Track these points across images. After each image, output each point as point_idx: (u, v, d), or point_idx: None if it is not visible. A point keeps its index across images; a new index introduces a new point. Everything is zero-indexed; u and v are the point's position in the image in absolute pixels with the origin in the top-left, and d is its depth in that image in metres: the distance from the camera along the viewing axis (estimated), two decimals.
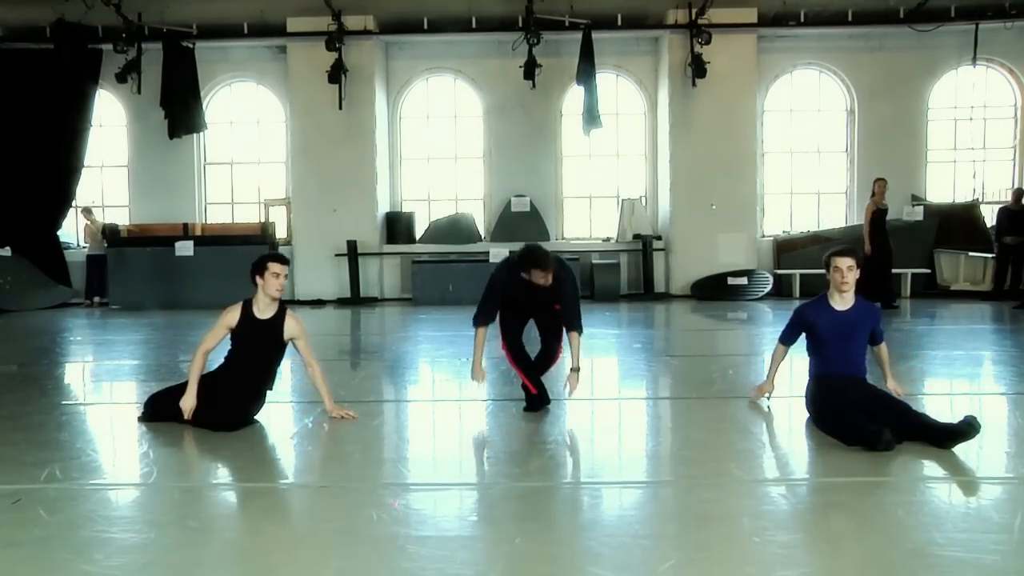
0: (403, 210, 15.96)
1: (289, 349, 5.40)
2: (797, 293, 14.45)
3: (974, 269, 14.45)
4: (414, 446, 5.08)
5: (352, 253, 14.72)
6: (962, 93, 15.60)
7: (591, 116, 14.54)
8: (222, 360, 5.39)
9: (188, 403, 5.07)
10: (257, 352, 5.25)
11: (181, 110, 14.78)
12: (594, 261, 14.66)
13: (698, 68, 14.32)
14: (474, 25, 14.89)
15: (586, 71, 14.41)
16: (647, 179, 16.02)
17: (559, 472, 4.38)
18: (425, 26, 14.98)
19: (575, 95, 15.20)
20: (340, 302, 14.81)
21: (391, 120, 15.81)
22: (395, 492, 3.93)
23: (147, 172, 15.79)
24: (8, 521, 3.52)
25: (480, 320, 5.43)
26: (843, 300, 5.05)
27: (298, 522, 3.73)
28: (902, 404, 4.83)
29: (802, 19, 14.82)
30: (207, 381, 5.20)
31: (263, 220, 15.47)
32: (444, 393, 6.98)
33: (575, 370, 5.42)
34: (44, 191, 15.07)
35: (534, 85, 14.50)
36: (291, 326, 5.27)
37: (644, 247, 14.80)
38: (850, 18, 14.78)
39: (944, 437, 4.42)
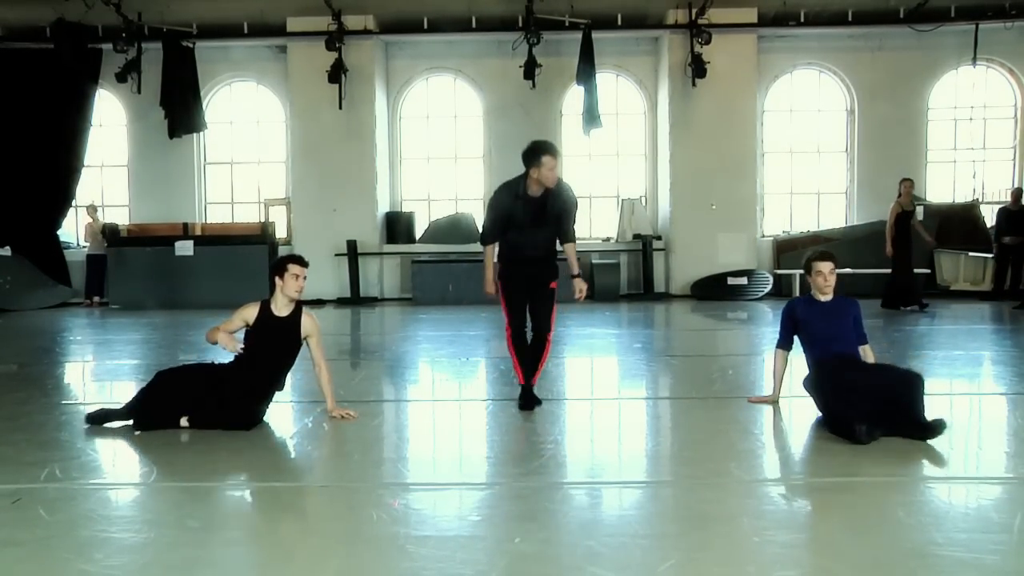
0: (403, 210, 15.97)
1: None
2: (797, 293, 14.39)
3: (974, 269, 14.44)
4: (414, 446, 5.08)
5: (352, 253, 14.73)
6: (962, 93, 15.61)
7: (591, 116, 14.54)
8: (232, 358, 5.34)
9: (231, 344, 5.19)
10: (272, 350, 5.26)
11: (181, 110, 14.79)
12: (594, 261, 14.64)
13: (698, 68, 14.32)
14: (474, 25, 14.90)
15: (586, 71, 14.41)
16: (647, 179, 16.02)
17: (559, 472, 4.37)
18: (425, 26, 14.99)
19: (575, 95, 15.20)
20: (340, 302, 14.80)
21: (391, 120, 15.82)
22: (395, 492, 3.92)
23: (147, 172, 15.80)
24: (8, 521, 3.51)
25: (488, 239, 5.69)
26: (826, 298, 5.32)
27: (298, 522, 3.73)
28: (898, 383, 4.74)
29: (802, 19, 14.82)
30: (216, 378, 5.18)
31: (263, 220, 15.46)
32: (444, 393, 6.98)
33: (576, 276, 5.72)
34: (44, 191, 15.07)
35: (534, 85, 14.50)
36: (307, 323, 5.33)
37: (644, 247, 14.80)
38: (850, 18, 14.78)
39: (920, 429, 4.53)
